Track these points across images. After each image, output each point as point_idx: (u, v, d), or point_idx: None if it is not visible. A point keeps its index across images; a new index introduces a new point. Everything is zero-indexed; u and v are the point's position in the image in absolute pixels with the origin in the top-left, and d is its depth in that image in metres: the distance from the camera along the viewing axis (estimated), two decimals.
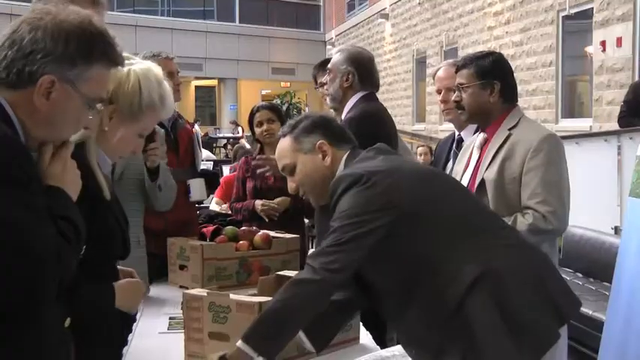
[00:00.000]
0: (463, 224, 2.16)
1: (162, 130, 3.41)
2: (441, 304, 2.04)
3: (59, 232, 1.51)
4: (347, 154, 2.35)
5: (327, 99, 3.80)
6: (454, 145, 3.49)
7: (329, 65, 3.72)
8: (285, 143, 2.38)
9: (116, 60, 1.69)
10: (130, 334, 2.29)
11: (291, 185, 2.39)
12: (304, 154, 2.33)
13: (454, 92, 3.12)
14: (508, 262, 2.11)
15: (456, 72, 3.06)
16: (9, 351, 1.49)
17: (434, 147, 5.30)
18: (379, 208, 2.07)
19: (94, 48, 1.61)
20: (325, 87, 3.75)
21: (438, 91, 3.60)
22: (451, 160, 3.40)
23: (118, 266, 2.09)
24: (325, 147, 2.32)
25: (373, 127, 3.56)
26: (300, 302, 2.04)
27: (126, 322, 2.09)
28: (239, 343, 1.99)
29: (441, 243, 2.09)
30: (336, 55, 3.72)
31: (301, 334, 2.20)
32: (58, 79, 1.57)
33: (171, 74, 3.28)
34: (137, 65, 2.03)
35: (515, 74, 3.10)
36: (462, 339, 2.01)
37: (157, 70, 2.07)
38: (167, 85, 2.07)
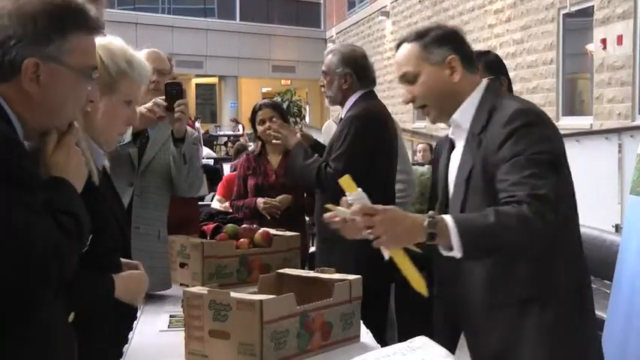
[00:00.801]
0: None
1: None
2: (523, 282, 2.11)
3: (59, 227, 1.49)
4: (487, 83, 2.27)
5: (327, 100, 3.80)
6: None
7: (324, 68, 3.70)
8: (410, 50, 2.25)
9: (92, 25, 1.64)
10: (131, 332, 2.29)
11: (406, 95, 2.28)
12: (431, 65, 2.22)
13: None
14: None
15: None
16: (13, 350, 1.49)
17: (434, 144, 5.29)
18: (559, 162, 2.08)
19: (64, 19, 1.58)
20: (323, 89, 3.74)
21: None
22: None
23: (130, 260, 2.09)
24: (455, 63, 2.22)
25: (379, 126, 3.57)
26: (519, 237, 1.96)
27: (126, 323, 2.09)
28: (450, 222, 1.91)
29: (571, 214, 2.14)
30: (328, 56, 3.70)
31: None
32: (41, 60, 1.54)
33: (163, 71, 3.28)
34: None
35: (515, 72, 3.11)
36: (509, 330, 2.11)
37: (118, 40, 2.05)
38: (133, 52, 2.03)
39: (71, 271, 1.55)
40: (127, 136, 2.93)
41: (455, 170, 2.28)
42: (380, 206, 1.92)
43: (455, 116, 2.25)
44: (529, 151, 2.02)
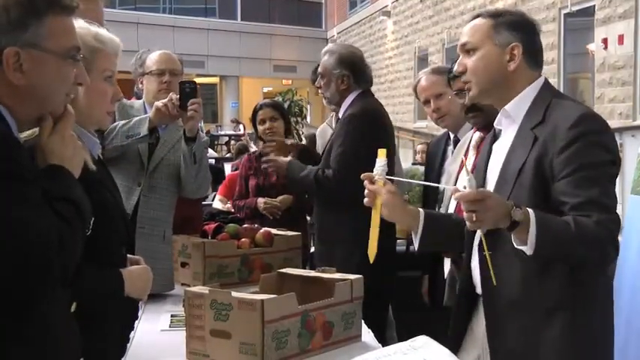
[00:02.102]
0: None
1: (207, 138, 3.39)
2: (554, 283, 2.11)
3: (60, 217, 1.49)
4: (543, 82, 2.25)
5: (325, 101, 3.80)
6: (451, 145, 3.46)
7: (320, 69, 3.70)
8: (480, 23, 2.23)
9: (66, 4, 1.63)
10: (132, 332, 2.30)
11: (458, 66, 2.25)
12: (493, 44, 2.19)
13: (440, 98, 3.16)
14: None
15: (454, 78, 3.01)
16: (16, 345, 1.49)
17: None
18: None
19: (35, 3, 1.56)
20: (320, 91, 3.74)
21: (426, 102, 3.45)
22: (449, 159, 3.40)
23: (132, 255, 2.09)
24: (517, 52, 2.19)
25: (375, 123, 3.58)
26: (592, 257, 2.03)
27: (127, 323, 2.10)
28: (532, 215, 1.94)
29: None
30: (325, 57, 3.69)
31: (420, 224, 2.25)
32: (21, 48, 1.53)
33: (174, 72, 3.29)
34: None
35: None
36: (534, 331, 2.11)
37: (79, 22, 2.04)
38: (97, 28, 2.03)
39: (76, 259, 1.54)
40: (144, 130, 2.97)
41: (499, 163, 2.25)
42: (485, 191, 1.97)
43: (508, 107, 2.23)
44: (598, 163, 2.04)
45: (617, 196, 2.14)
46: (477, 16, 2.29)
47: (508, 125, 2.26)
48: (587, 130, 2.06)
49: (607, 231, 1.98)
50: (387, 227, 2.55)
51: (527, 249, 1.96)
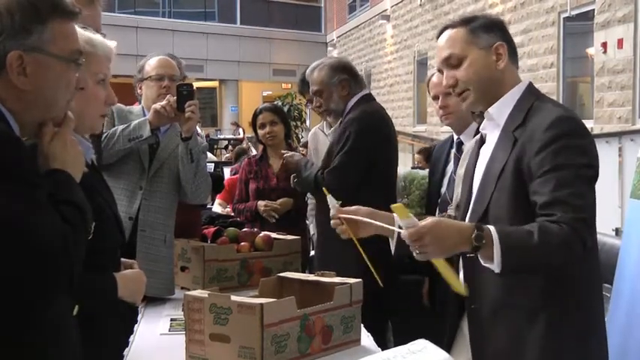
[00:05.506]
0: None
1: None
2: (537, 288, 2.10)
3: (64, 219, 1.49)
4: (529, 82, 2.24)
5: (329, 118, 3.79)
6: (454, 148, 3.46)
7: (316, 87, 3.67)
8: (456, 33, 2.22)
9: (69, 9, 1.64)
10: (131, 336, 2.30)
11: (447, 80, 2.22)
12: (479, 49, 2.19)
13: (449, 96, 3.14)
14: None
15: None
16: (21, 349, 1.49)
17: (432, 149, 5.23)
18: (595, 171, 2.09)
19: (39, 7, 1.57)
20: (322, 108, 3.71)
21: (435, 98, 3.43)
22: (451, 162, 3.39)
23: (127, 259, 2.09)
24: (503, 51, 2.19)
25: (377, 126, 3.58)
26: (558, 260, 1.99)
27: (127, 326, 2.09)
28: (495, 237, 1.92)
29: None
30: (314, 74, 3.67)
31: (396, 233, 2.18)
32: (24, 52, 1.54)
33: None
34: None
35: None
36: (516, 332, 2.11)
37: None
38: (90, 33, 2.02)
39: (80, 263, 1.55)
40: (146, 132, 3.02)
41: (483, 166, 2.25)
42: (426, 226, 1.92)
43: (491, 110, 2.23)
44: (571, 164, 2.01)
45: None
46: (446, 28, 2.27)
47: (492, 129, 2.26)
48: (563, 133, 2.05)
49: (571, 230, 1.93)
50: None
51: (495, 267, 1.96)
